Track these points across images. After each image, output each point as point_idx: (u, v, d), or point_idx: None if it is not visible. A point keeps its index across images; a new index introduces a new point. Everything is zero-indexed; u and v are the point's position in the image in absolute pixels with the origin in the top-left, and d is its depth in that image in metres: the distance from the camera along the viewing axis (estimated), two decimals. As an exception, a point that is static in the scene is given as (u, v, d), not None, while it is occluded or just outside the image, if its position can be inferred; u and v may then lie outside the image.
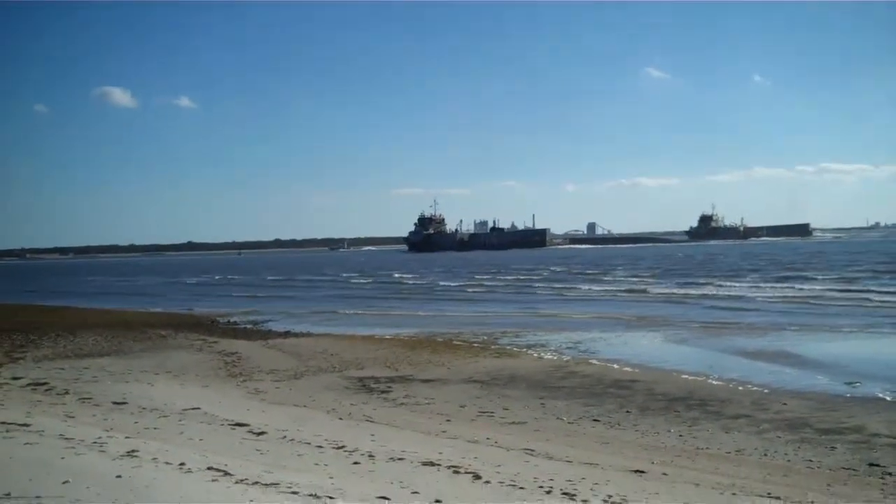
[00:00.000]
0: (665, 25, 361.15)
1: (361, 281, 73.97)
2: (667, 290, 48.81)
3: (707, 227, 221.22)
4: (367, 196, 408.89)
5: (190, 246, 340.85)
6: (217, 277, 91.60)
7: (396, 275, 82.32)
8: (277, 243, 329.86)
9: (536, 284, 59.69)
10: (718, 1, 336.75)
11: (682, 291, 47.98)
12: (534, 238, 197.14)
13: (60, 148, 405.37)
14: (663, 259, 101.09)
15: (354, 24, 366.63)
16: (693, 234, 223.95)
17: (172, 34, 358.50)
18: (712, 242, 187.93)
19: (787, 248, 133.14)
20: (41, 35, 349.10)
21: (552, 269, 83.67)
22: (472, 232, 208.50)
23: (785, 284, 49.90)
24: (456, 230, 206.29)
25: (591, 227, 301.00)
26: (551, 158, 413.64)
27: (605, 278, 63.92)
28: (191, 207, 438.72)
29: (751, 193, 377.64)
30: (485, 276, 72.78)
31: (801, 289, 46.15)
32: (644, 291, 48.98)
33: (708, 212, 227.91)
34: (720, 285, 51.56)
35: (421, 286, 63.11)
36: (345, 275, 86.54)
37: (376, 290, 61.25)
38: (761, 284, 50.76)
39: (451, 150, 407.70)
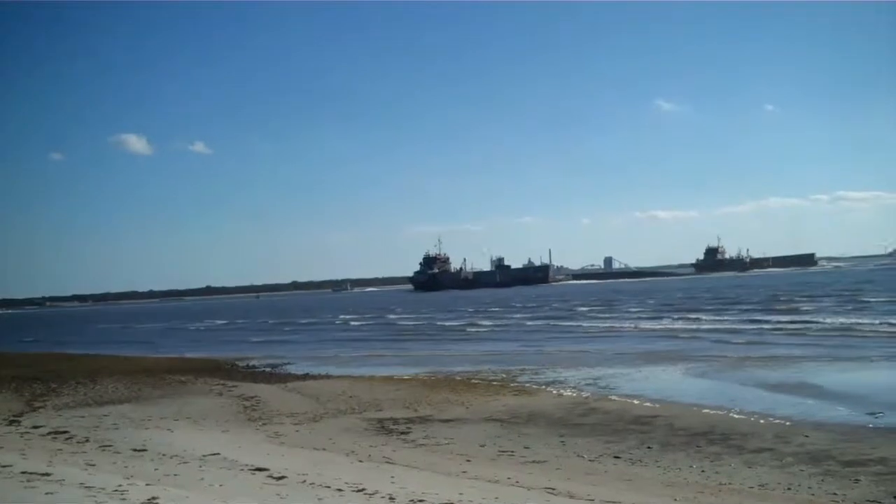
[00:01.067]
0: (673, 58, 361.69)
1: (357, 323, 73.54)
2: (665, 325, 49.29)
3: (713, 259, 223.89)
4: (383, 234, 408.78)
5: (208, 290, 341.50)
6: (219, 322, 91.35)
7: (392, 316, 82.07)
8: (295, 285, 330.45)
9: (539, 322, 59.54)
10: (726, 31, 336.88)
11: (679, 326, 48.46)
12: (536, 275, 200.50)
13: (77, 196, 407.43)
14: (661, 294, 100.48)
15: (367, 60, 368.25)
16: (699, 267, 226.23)
17: (186, 80, 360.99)
18: (714, 275, 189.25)
19: (782, 278, 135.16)
20: (56, 83, 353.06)
21: (554, 305, 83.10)
22: (476, 270, 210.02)
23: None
24: (461, 269, 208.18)
25: (608, 261, 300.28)
26: (566, 193, 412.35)
27: (607, 314, 63.59)
28: (208, 252, 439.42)
29: (766, 224, 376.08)
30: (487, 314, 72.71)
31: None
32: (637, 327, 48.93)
33: (714, 244, 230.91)
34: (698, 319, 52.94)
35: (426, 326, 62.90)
36: (343, 316, 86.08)
37: (375, 331, 61.03)
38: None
39: (465, 186, 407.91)
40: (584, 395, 22.36)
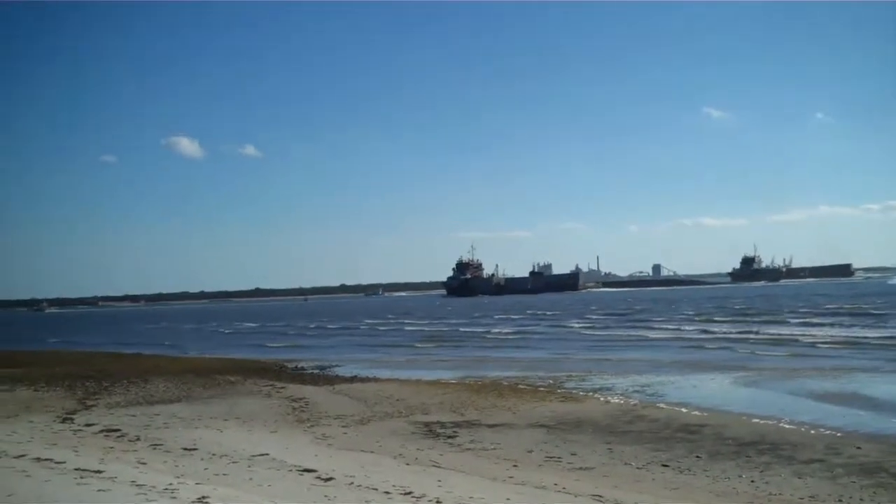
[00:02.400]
0: (722, 66, 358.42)
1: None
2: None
3: (749, 269, 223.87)
4: (427, 238, 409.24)
5: (258, 292, 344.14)
6: (250, 325, 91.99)
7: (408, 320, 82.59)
8: (343, 288, 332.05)
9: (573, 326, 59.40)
10: (775, 38, 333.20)
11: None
12: (567, 282, 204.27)
13: (130, 197, 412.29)
14: (695, 302, 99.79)
15: (415, 64, 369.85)
16: (735, 276, 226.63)
17: (238, 82, 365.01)
18: (745, 284, 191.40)
19: (809, 289, 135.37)
20: (109, 86, 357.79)
21: (588, 316, 78.77)
22: (508, 276, 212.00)
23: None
24: (492, 275, 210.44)
25: (657, 268, 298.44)
26: (614, 200, 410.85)
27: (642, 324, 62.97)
28: (258, 254, 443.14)
29: (816, 232, 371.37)
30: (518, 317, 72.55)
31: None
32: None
33: (751, 253, 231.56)
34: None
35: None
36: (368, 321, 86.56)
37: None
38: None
39: (511, 193, 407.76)
40: (632, 402, 22.24)
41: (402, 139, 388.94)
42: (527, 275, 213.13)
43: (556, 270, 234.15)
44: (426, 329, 67.10)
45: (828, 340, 40.36)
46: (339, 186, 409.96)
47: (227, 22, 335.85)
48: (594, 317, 74.66)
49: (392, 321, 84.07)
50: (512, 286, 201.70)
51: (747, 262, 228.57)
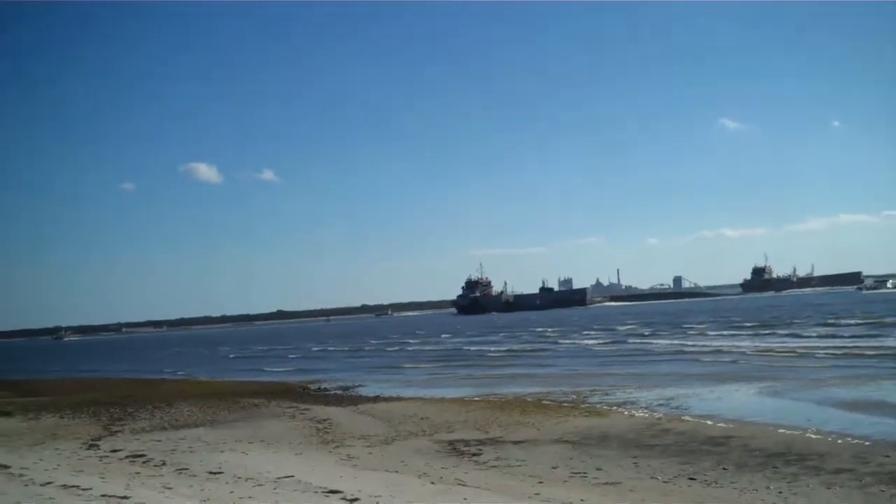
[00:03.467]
0: (735, 77, 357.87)
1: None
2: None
3: (760, 279, 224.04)
4: (447, 258, 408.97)
5: (280, 315, 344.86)
6: (257, 348, 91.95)
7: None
8: (364, 309, 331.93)
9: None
10: (787, 48, 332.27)
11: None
12: (574, 297, 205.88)
13: (150, 224, 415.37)
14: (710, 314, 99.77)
15: (430, 87, 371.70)
16: (746, 287, 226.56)
17: (255, 108, 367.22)
18: (754, 295, 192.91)
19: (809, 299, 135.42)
20: (128, 113, 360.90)
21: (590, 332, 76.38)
22: (517, 293, 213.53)
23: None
24: (501, 292, 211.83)
25: (678, 280, 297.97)
26: (631, 213, 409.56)
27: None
28: (279, 277, 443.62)
29: (838, 241, 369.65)
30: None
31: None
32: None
33: (761, 263, 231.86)
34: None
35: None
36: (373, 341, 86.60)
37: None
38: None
39: (527, 209, 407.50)
40: (657, 415, 22.14)
41: (415, 158, 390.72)
42: (537, 291, 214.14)
43: (577, 285, 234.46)
44: (438, 348, 66.91)
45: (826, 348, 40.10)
46: (354, 207, 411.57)
47: (240, 49, 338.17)
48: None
49: (403, 340, 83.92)
50: (521, 303, 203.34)
51: (758, 272, 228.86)
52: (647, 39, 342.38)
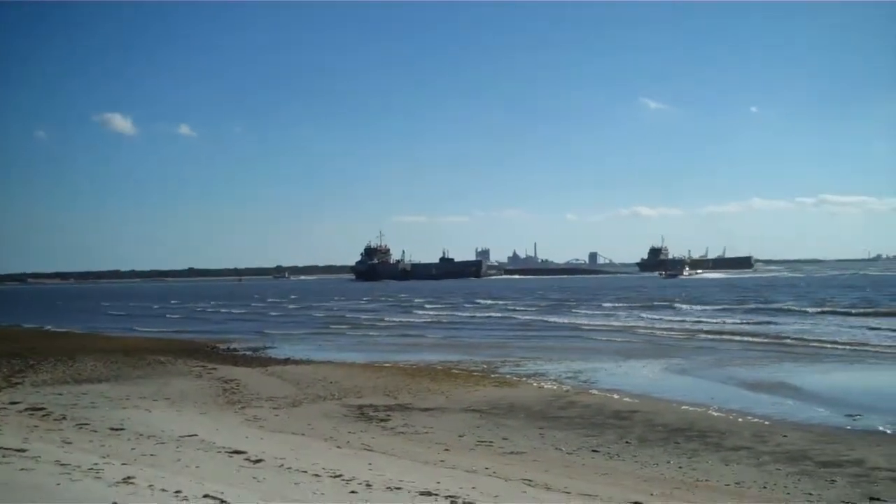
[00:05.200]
0: (658, 57, 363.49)
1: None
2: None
3: (656, 259, 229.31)
4: (368, 224, 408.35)
5: (191, 272, 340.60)
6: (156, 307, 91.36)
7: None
8: (279, 270, 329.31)
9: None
10: (711, 32, 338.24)
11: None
12: (470, 268, 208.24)
13: (61, 174, 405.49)
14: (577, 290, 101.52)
15: (354, 54, 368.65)
16: (643, 266, 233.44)
17: (172, 60, 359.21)
18: (645, 274, 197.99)
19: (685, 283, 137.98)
20: (41, 60, 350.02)
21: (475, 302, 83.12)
22: (414, 262, 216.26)
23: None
24: (398, 260, 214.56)
25: (593, 256, 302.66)
26: (551, 187, 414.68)
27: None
28: (192, 234, 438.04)
29: (750, 224, 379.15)
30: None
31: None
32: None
33: (658, 244, 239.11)
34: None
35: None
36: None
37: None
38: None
39: (449, 177, 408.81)
40: (565, 388, 22.38)
41: (339, 126, 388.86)
42: (437, 261, 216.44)
43: (495, 256, 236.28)
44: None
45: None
46: (276, 168, 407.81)
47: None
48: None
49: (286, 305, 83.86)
50: (417, 272, 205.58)
51: (654, 252, 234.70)
52: (573, 15, 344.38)
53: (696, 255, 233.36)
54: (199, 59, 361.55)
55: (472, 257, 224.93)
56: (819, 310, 54.11)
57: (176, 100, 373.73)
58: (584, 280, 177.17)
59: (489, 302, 79.15)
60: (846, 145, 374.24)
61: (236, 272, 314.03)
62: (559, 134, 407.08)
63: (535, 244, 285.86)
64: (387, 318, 57.70)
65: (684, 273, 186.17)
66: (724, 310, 57.86)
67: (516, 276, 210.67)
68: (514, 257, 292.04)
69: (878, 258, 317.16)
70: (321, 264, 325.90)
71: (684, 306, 63.12)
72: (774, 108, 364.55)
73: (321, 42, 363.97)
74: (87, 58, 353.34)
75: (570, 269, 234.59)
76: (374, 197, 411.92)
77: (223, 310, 76.83)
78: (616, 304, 68.09)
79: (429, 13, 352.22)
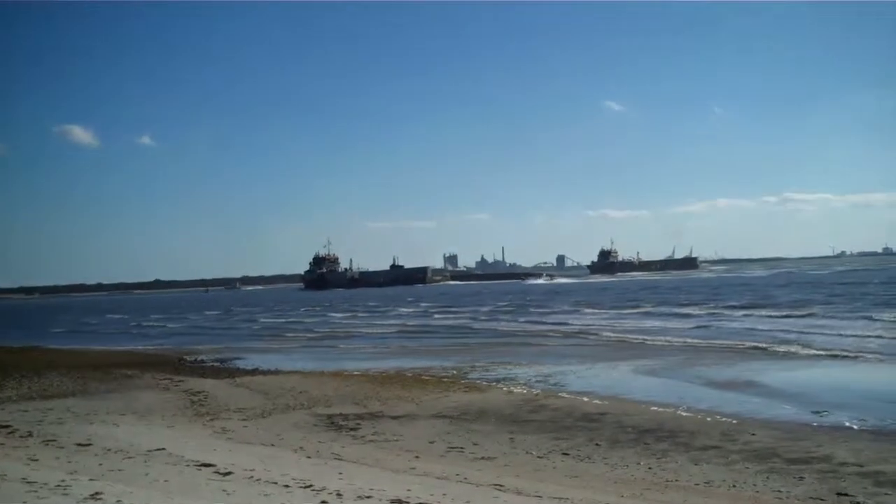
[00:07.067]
0: (620, 60, 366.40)
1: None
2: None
3: (605, 262, 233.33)
4: (341, 229, 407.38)
5: (157, 284, 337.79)
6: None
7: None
8: (245, 280, 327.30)
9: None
10: (674, 33, 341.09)
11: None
12: (416, 275, 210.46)
13: (22, 187, 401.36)
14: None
15: (318, 54, 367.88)
16: (594, 268, 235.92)
17: (133, 72, 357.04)
18: (598, 277, 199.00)
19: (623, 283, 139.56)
20: (1, 74, 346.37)
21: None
22: (362, 270, 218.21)
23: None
24: (346, 269, 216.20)
25: (561, 259, 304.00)
26: (518, 191, 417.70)
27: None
28: (157, 246, 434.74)
29: (716, 224, 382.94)
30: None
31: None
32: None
33: (608, 247, 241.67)
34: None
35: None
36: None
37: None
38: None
39: (416, 182, 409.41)
40: (535, 391, 22.43)
41: (304, 127, 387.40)
42: (387, 268, 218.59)
43: (463, 261, 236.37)
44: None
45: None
46: (239, 177, 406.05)
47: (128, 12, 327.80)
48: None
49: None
50: (366, 280, 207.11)
51: (604, 255, 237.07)
52: (537, 18, 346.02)
53: (646, 257, 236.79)
54: (161, 69, 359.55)
55: (439, 263, 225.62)
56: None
57: (137, 111, 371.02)
58: (496, 285, 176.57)
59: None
60: (808, 144, 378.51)
61: (203, 283, 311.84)
62: (524, 137, 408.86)
63: (503, 248, 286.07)
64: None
65: (542, 279, 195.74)
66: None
67: (462, 283, 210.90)
68: (482, 262, 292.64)
69: (841, 255, 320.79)
70: (273, 274, 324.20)
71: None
72: (736, 108, 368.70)
73: (286, 48, 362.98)
74: (46, 69, 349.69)
75: (528, 274, 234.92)
76: (339, 203, 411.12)
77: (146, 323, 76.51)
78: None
79: (395, 16, 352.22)
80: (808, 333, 35.99)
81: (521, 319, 56.89)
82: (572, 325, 48.74)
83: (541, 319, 55.33)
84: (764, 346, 31.88)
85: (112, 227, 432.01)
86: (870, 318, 41.49)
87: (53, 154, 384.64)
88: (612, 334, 40.89)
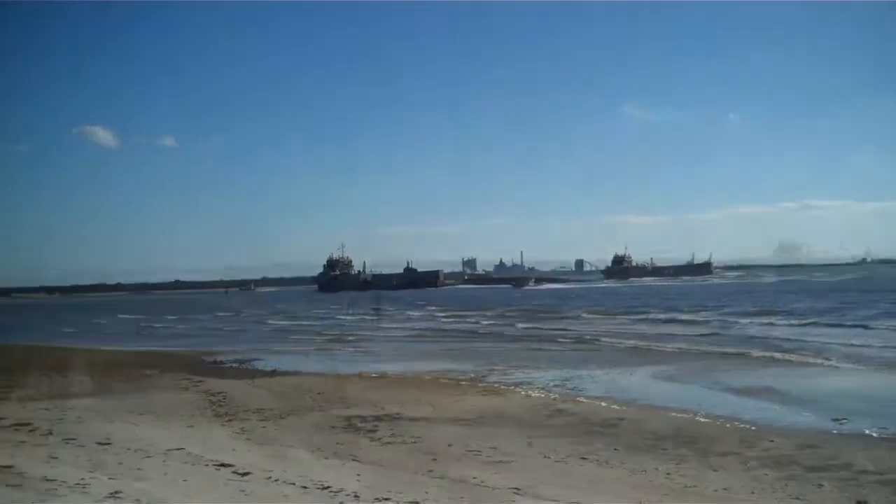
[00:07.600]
0: (640, 65, 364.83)
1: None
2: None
3: (620, 267, 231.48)
4: (357, 235, 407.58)
5: (177, 285, 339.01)
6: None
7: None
8: (262, 282, 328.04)
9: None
10: (686, 36, 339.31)
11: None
12: (428, 279, 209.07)
13: (43, 187, 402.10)
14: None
15: (338, 59, 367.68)
16: (608, 273, 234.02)
17: (155, 71, 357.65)
18: (612, 282, 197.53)
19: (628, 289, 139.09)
20: (22, 74, 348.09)
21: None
22: (376, 272, 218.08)
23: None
24: (359, 272, 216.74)
25: (580, 263, 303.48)
26: (538, 195, 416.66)
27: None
28: (177, 246, 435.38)
29: (735, 231, 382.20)
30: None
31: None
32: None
33: (621, 252, 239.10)
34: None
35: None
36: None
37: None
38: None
39: (436, 187, 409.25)
40: (553, 396, 22.40)
41: (328, 132, 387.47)
42: (401, 271, 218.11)
43: (481, 265, 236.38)
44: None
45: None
46: (262, 179, 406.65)
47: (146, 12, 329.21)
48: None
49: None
50: (378, 282, 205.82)
51: (618, 260, 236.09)
52: (556, 21, 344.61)
53: (666, 263, 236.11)
54: (184, 69, 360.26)
55: (458, 268, 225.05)
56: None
57: (159, 111, 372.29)
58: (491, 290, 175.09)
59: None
60: (829, 150, 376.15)
61: (222, 284, 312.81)
62: (544, 141, 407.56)
63: (522, 252, 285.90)
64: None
65: (529, 285, 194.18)
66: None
67: (473, 286, 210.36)
68: (501, 265, 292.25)
69: (862, 262, 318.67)
70: (291, 276, 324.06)
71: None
72: (755, 114, 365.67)
73: (311, 51, 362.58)
74: (67, 69, 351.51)
75: (542, 279, 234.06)
76: (356, 207, 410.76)
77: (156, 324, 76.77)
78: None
79: (417, 20, 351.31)
80: (824, 341, 35.78)
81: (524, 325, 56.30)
82: (582, 330, 48.48)
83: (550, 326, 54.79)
84: (779, 353, 31.69)
85: (133, 228, 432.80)
86: (889, 328, 41.14)
87: (74, 154, 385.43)
88: (624, 340, 40.68)
